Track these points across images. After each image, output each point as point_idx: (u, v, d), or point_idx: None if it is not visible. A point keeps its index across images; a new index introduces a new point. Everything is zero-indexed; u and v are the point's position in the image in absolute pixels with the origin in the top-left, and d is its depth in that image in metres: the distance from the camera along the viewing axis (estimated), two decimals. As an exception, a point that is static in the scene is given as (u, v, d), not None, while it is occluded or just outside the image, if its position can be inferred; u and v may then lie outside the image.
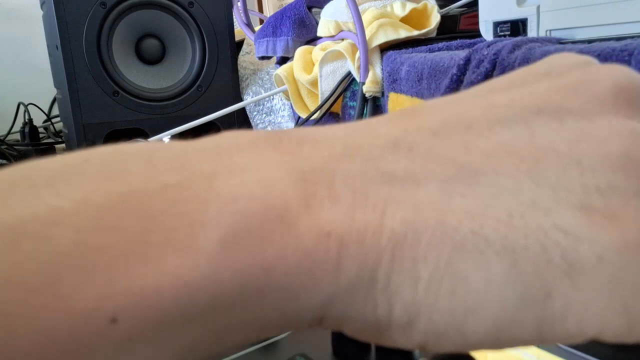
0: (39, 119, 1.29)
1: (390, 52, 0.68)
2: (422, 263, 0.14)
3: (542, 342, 0.14)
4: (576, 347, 0.24)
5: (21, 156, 1.11)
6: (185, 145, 0.15)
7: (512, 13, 0.59)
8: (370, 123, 0.17)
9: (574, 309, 0.13)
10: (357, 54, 0.69)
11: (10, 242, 0.12)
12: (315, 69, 0.76)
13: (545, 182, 0.14)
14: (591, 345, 0.24)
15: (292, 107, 0.84)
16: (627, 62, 0.37)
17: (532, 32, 0.57)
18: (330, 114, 0.79)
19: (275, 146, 0.15)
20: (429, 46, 0.65)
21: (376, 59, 0.69)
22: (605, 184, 0.14)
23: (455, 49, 0.62)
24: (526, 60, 0.46)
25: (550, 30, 0.56)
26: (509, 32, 0.60)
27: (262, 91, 0.96)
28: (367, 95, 0.69)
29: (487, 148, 0.15)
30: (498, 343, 0.14)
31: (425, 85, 0.59)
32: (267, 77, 0.97)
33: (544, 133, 0.15)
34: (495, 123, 0.15)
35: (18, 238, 0.12)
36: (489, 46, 0.51)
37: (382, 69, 0.68)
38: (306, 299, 0.14)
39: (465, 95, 0.17)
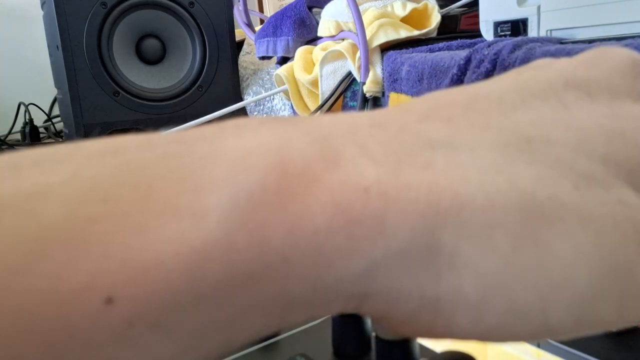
0: (39, 119, 1.29)
1: (391, 52, 0.68)
2: (500, 230, 0.12)
3: (618, 323, 0.13)
4: (576, 347, 0.24)
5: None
6: (185, 130, 0.14)
7: (513, 13, 0.59)
8: (391, 108, 0.15)
9: None
10: (358, 54, 0.69)
11: None
12: (316, 69, 0.76)
13: (594, 154, 0.14)
14: (591, 345, 0.24)
15: (292, 107, 0.84)
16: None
17: (532, 32, 0.57)
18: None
19: (285, 119, 0.13)
20: (429, 46, 0.66)
21: (377, 58, 0.69)
22: None
23: (456, 48, 0.62)
24: (527, 60, 0.46)
25: (551, 30, 0.55)
26: (509, 32, 0.60)
27: (263, 91, 0.96)
28: (367, 95, 0.69)
29: (529, 117, 0.14)
30: (577, 325, 0.13)
31: (426, 85, 0.59)
32: (267, 77, 0.97)
33: (578, 106, 0.15)
34: (528, 95, 0.15)
35: None
36: (489, 46, 0.51)
37: (382, 69, 0.68)
38: (343, 266, 0.11)
39: (487, 80, 0.16)
